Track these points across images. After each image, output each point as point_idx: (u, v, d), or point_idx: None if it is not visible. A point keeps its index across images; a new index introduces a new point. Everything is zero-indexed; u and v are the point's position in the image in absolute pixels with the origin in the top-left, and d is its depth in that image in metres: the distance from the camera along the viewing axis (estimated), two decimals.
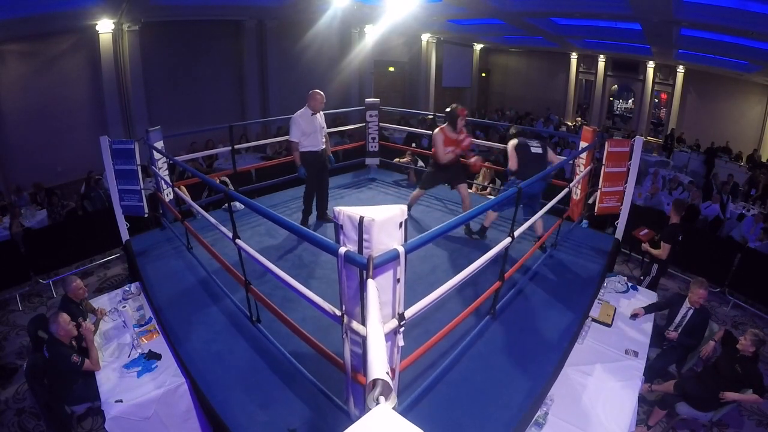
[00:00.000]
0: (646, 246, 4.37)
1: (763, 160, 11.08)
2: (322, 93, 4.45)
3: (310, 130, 4.38)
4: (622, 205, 4.51)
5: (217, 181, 4.18)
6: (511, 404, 2.48)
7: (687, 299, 3.59)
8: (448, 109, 4.32)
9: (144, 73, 8.93)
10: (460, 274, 2.29)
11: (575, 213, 4.75)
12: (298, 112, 4.41)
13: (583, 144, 4.69)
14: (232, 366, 2.77)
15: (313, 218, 4.81)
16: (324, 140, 4.60)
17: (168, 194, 4.63)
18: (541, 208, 3.65)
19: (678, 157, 11.67)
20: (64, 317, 2.94)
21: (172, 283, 3.72)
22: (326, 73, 12.10)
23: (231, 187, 5.07)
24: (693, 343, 3.57)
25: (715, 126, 12.58)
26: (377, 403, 0.91)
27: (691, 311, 3.57)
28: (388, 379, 1.01)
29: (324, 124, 4.61)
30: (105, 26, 8.07)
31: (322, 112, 4.56)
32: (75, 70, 8.29)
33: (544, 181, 4.03)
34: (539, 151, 4.02)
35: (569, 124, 15.69)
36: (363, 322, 1.72)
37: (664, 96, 14.37)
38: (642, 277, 4.57)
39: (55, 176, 8.16)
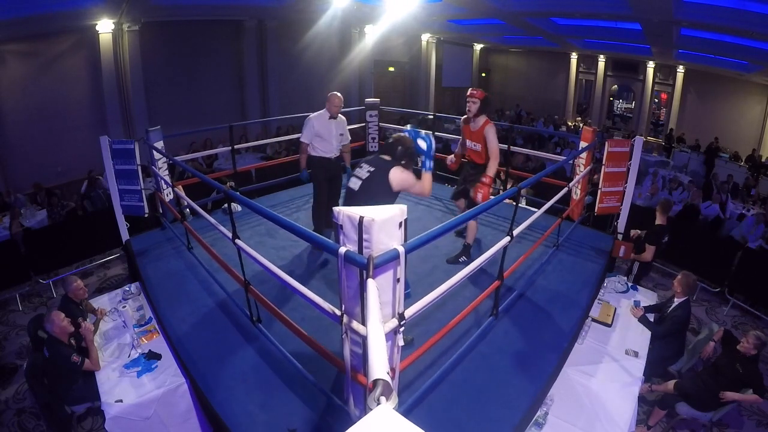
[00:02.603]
0: (635, 257, 4.31)
1: (764, 160, 11.08)
2: (340, 96, 4.13)
3: (324, 133, 4.06)
4: (622, 205, 4.52)
5: (227, 187, 4.09)
6: (511, 404, 2.48)
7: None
8: None
9: (144, 73, 8.92)
10: (460, 273, 2.29)
11: (575, 213, 4.75)
12: (316, 113, 4.10)
13: (583, 144, 4.69)
14: (232, 366, 2.76)
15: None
16: (340, 149, 4.25)
17: (168, 194, 4.63)
18: None
19: (678, 157, 11.67)
20: (58, 314, 2.93)
21: (172, 283, 3.71)
22: (326, 73, 12.10)
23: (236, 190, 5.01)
24: (656, 331, 3.53)
25: (715, 126, 12.57)
26: (378, 404, 0.91)
27: (674, 303, 3.62)
28: (388, 379, 1.01)
29: (343, 132, 4.23)
30: (105, 26, 8.06)
31: (344, 119, 4.24)
32: (75, 70, 8.28)
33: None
34: (356, 184, 2.78)
35: (569, 124, 15.70)
36: (363, 322, 1.72)
37: (664, 96, 14.37)
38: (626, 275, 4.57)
39: (55, 176, 8.16)
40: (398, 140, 2.83)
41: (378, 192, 2.69)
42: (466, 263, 3.48)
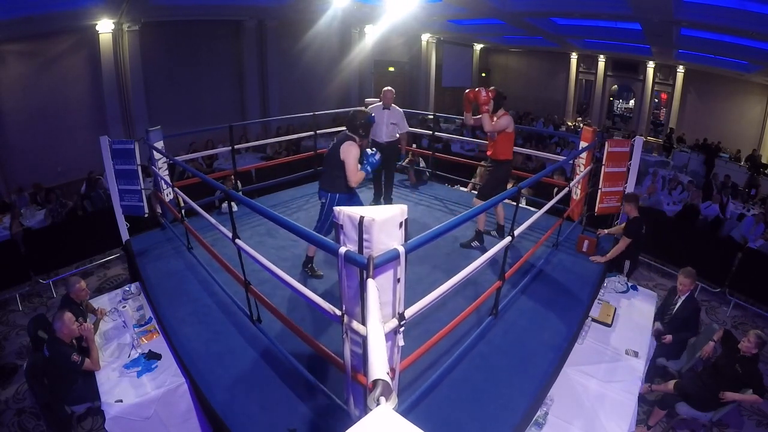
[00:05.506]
0: (596, 259, 4.12)
1: (764, 160, 11.08)
2: (392, 90, 4.90)
3: (377, 120, 4.69)
4: (622, 205, 4.51)
5: (229, 186, 4.15)
6: (511, 404, 2.48)
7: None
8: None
9: (144, 73, 8.92)
10: (460, 273, 2.29)
11: (575, 213, 4.75)
12: (375, 104, 4.94)
13: (583, 144, 4.69)
14: (232, 366, 2.77)
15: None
16: (391, 135, 4.93)
17: (168, 194, 4.63)
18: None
19: (678, 157, 11.67)
20: (69, 316, 2.93)
21: (171, 283, 3.71)
22: (326, 73, 12.10)
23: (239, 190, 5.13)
24: (688, 335, 3.58)
25: (715, 126, 12.58)
26: (378, 404, 0.91)
27: (680, 300, 3.63)
28: (388, 379, 1.01)
29: (396, 121, 4.93)
30: (105, 26, 8.06)
31: (399, 110, 4.96)
32: (75, 70, 8.28)
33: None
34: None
35: (569, 123, 15.70)
36: (363, 322, 1.72)
37: (664, 96, 14.37)
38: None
39: (55, 176, 8.15)
40: (355, 115, 3.25)
41: (334, 161, 3.20)
42: (479, 248, 4.13)
